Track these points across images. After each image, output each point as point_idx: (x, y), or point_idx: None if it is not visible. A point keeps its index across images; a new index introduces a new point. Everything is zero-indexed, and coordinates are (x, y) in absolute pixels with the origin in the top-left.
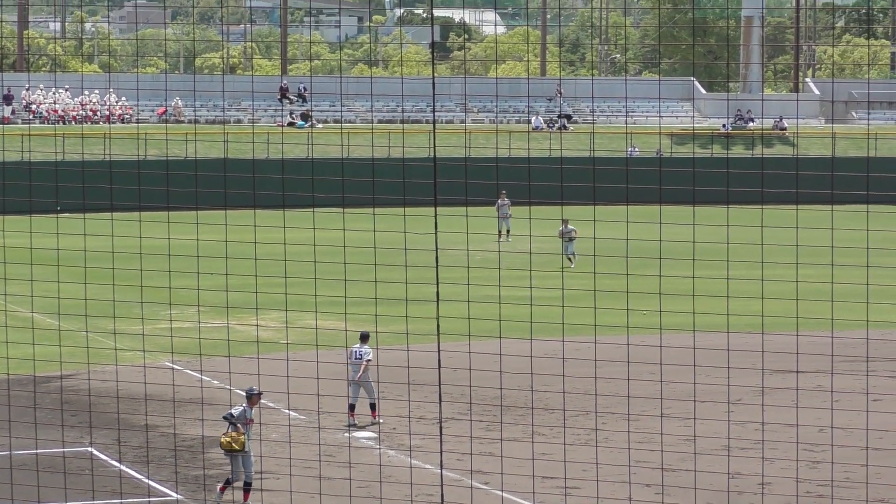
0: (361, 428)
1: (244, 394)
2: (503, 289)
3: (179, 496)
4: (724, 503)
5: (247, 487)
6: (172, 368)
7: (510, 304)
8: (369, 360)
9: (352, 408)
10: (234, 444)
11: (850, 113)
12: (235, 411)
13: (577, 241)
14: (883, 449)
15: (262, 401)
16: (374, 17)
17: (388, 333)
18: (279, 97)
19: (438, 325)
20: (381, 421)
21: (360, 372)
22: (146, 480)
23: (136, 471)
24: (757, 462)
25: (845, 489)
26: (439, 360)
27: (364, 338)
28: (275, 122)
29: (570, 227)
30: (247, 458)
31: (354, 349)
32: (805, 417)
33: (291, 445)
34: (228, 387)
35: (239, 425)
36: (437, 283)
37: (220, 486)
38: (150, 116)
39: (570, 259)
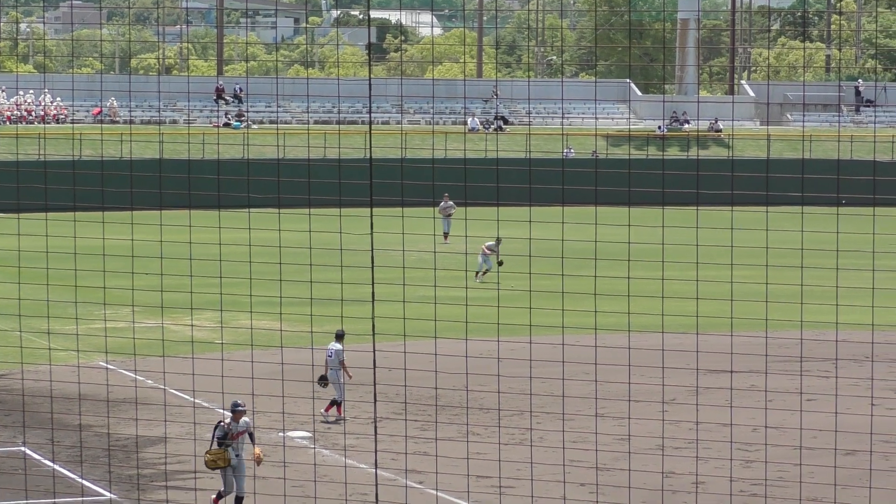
0: (301, 425)
1: (229, 410)
2: (439, 289)
3: (113, 495)
4: (658, 502)
5: (237, 502)
6: (106, 368)
7: (445, 304)
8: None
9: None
10: (218, 462)
11: (785, 115)
12: (220, 432)
13: (510, 243)
14: (816, 448)
15: (196, 400)
16: (310, 19)
17: (323, 334)
18: (215, 98)
19: (374, 326)
20: (344, 418)
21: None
22: (80, 480)
23: (69, 470)
24: (691, 461)
25: (778, 488)
26: (374, 360)
27: (339, 337)
28: (210, 123)
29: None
30: (239, 473)
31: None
32: (739, 417)
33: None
34: (163, 387)
35: (226, 442)
36: (373, 284)
37: (213, 497)
38: (86, 117)
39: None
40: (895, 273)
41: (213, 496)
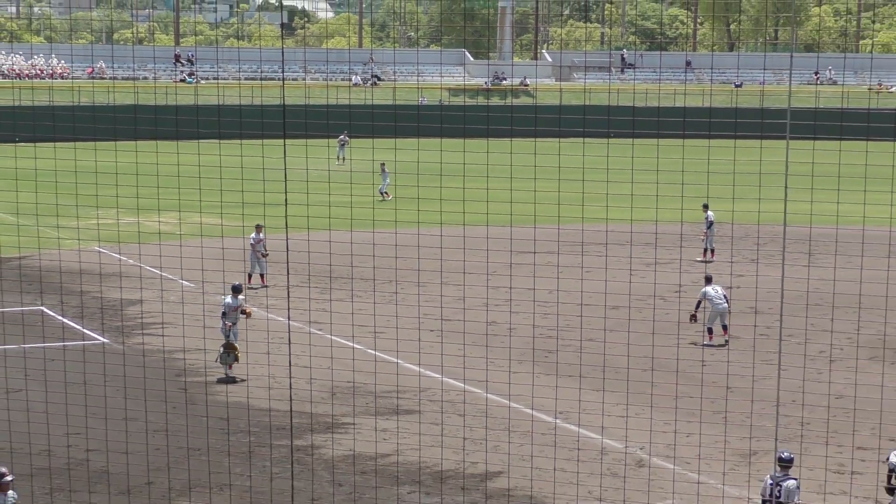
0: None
1: (231, 288)
2: (333, 196)
3: (105, 340)
4: (483, 342)
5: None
6: (99, 252)
7: (337, 207)
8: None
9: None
10: (237, 354)
11: (573, 75)
12: (226, 304)
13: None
14: (593, 304)
15: (163, 274)
16: (240, 5)
17: (250, 227)
18: (174, 61)
19: (287, 221)
20: (267, 286)
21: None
22: (82, 329)
23: (74, 322)
24: (507, 314)
25: (565, 331)
26: (287, 245)
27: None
28: (171, 80)
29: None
30: (233, 339)
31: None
32: (540, 284)
33: (184, 304)
34: (139, 264)
35: (229, 313)
36: (286, 192)
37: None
38: (82, 75)
39: (384, 194)
40: (652, 185)
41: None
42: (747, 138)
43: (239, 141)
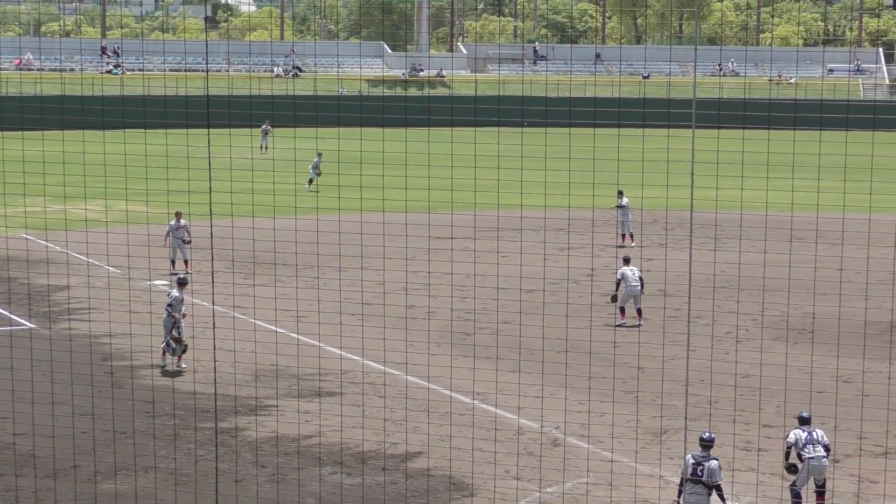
0: (162, 276)
1: (177, 282)
2: (256, 184)
3: (33, 325)
4: (403, 324)
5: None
6: (27, 238)
7: (260, 193)
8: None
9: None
10: (185, 343)
11: (487, 66)
12: (172, 297)
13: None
14: (509, 288)
15: (90, 260)
16: None
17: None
18: (100, 53)
19: (210, 208)
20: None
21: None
22: (9, 315)
23: (1, 308)
24: (426, 298)
25: (482, 315)
26: (211, 231)
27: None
28: (98, 71)
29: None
30: (179, 329)
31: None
32: (458, 268)
33: (111, 290)
34: (66, 251)
35: (175, 305)
36: (210, 180)
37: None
38: (9, 66)
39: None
40: (564, 172)
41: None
42: (654, 127)
43: (164, 130)
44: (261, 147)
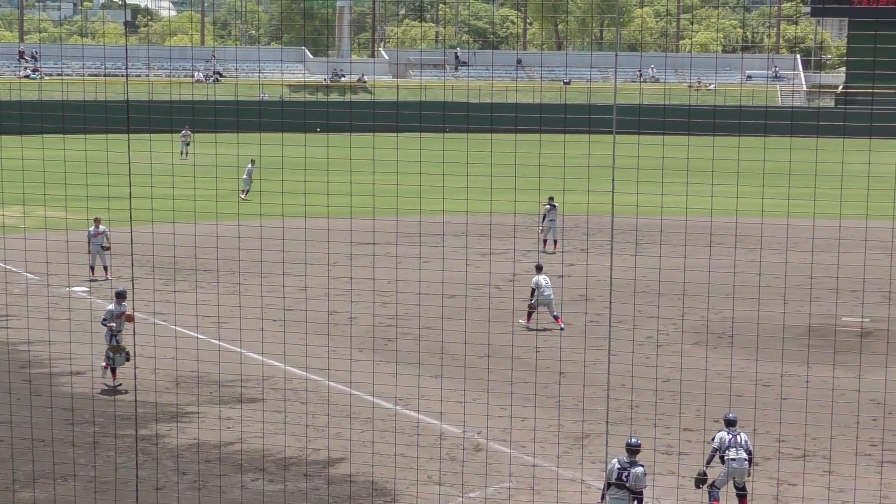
0: (81, 283)
1: (115, 294)
2: (177, 190)
3: None
4: (325, 331)
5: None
6: None
7: (181, 200)
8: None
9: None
10: (124, 348)
11: (409, 72)
12: (108, 311)
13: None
14: (432, 294)
15: (7, 267)
16: (84, 3)
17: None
18: (18, 58)
19: (131, 213)
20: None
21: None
22: None
23: None
24: (348, 304)
25: (407, 320)
26: (131, 237)
27: (120, 296)
28: (15, 75)
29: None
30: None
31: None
32: (379, 273)
33: (29, 296)
34: None
35: (113, 322)
36: (130, 185)
37: (104, 365)
38: None
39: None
40: (486, 178)
41: (105, 364)
42: (575, 133)
43: (83, 136)
44: (181, 153)
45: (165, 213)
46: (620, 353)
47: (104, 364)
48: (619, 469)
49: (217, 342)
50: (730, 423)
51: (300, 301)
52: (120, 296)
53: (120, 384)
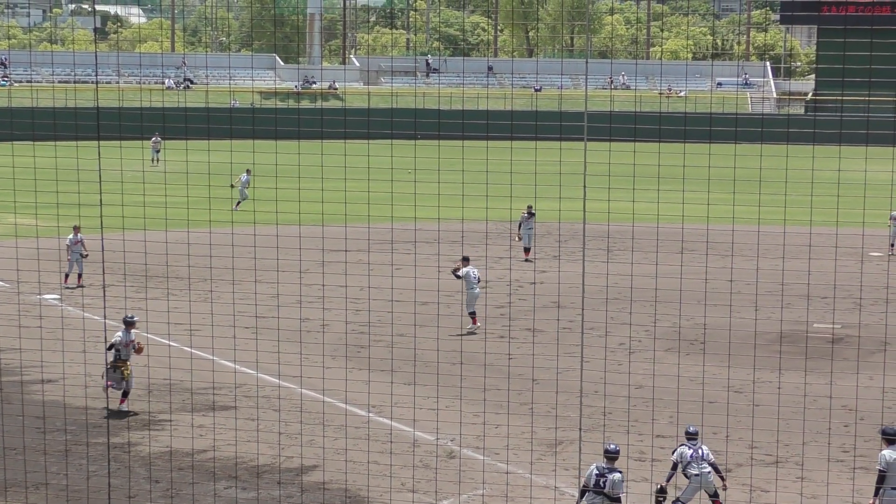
0: (52, 290)
1: (124, 322)
2: (148, 197)
3: None
4: (297, 337)
5: (125, 396)
6: None
7: (153, 207)
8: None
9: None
10: (125, 371)
11: (380, 79)
12: (117, 338)
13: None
14: (403, 301)
15: None
16: (53, 9)
17: (66, 227)
18: None
19: (102, 220)
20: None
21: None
22: None
23: None
24: (320, 311)
25: (377, 327)
26: (102, 244)
27: (130, 323)
28: None
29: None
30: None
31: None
32: (351, 280)
33: None
34: None
35: (121, 349)
36: (101, 193)
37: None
38: None
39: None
40: (457, 184)
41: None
42: (547, 140)
43: (53, 143)
44: (152, 160)
45: (136, 220)
46: (593, 359)
47: (107, 384)
48: (596, 475)
49: (189, 350)
50: (691, 437)
51: (272, 308)
52: (129, 323)
53: (129, 410)
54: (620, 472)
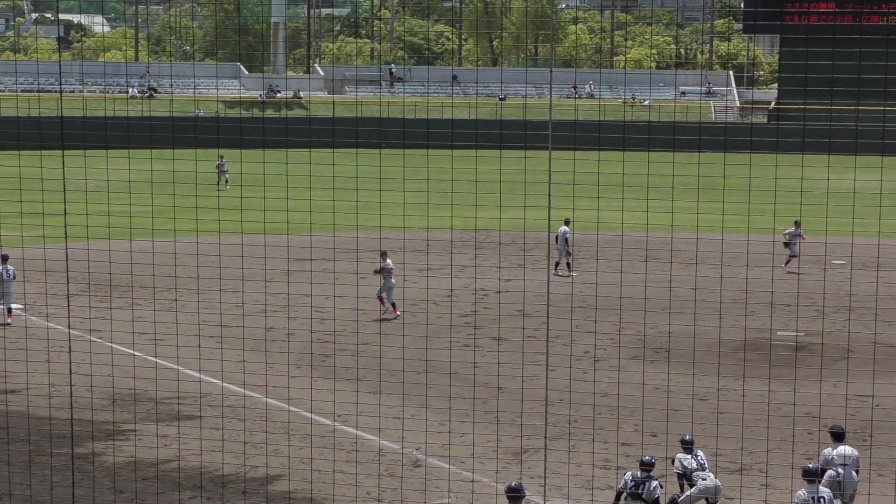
0: (17, 300)
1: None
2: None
3: None
4: (262, 348)
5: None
6: None
7: (117, 216)
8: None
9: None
10: None
11: (344, 88)
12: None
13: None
14: (367, 310)
15: None
16: (16, 18)
17: (38, 237)
18: None
19: (66, 229)
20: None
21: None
22: None
23: None
24: (284, 321)
25: (342, 336)
26: (66, 254)
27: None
28: None
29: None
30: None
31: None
32: (316, 290)
33: None
34: None
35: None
36: (65, 202)
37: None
38: None
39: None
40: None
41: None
42: (511, 148)
43: (17, 152)
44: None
45: (101, 230)
46: (558, 368)
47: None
48: (632, 482)
49: (154, 359)
50: (687, 445)
51: (237, 317)
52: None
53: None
54: (657, 479)
